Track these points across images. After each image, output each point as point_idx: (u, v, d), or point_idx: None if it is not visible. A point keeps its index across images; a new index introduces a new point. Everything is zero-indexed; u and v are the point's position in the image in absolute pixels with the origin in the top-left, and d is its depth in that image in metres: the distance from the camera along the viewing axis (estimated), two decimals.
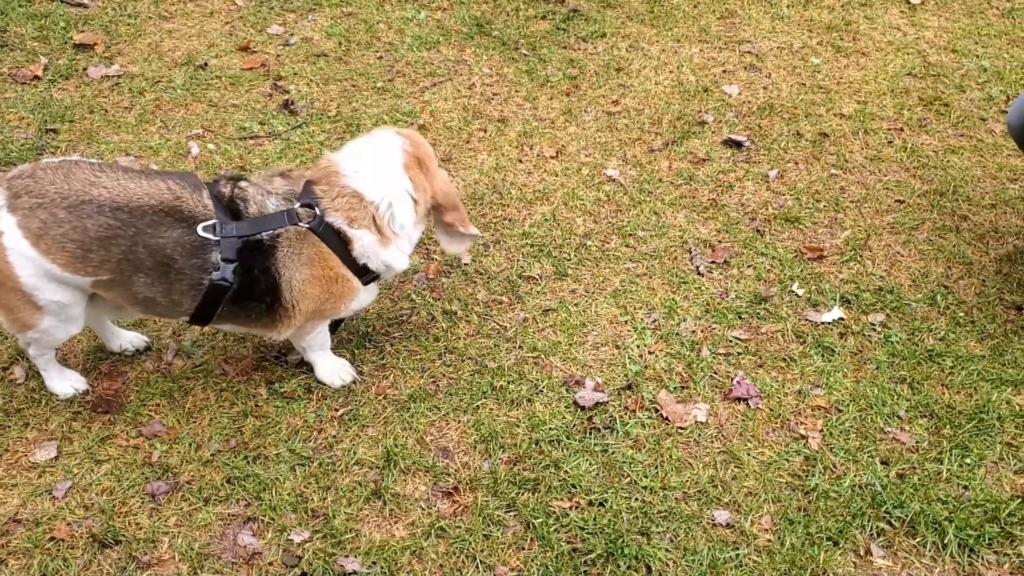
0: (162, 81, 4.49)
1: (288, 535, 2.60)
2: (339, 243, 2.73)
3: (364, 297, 2.92)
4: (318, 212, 2.67)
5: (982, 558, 2.58)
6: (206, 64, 4.61)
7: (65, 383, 2.98)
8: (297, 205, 2.67)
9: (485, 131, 4.25)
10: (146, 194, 2.57)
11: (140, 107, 4.32)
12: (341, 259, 2.75)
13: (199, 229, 2.58)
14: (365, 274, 2.82)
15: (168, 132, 4.17)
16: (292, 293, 2.73)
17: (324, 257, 2.73)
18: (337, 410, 2.95)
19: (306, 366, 3.08)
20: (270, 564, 2.54)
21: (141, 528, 2.61)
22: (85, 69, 4.54)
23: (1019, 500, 2.69)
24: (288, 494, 2.70)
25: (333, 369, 3.04)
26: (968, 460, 2.82)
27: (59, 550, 2.55)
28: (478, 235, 3.02)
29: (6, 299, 2.63)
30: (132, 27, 4.87)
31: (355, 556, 2.55)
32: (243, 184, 2.72)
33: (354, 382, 3.04)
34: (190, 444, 2.84)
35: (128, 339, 3.12)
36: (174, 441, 2.85)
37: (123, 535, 2.59)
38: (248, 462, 2.79)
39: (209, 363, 3.09)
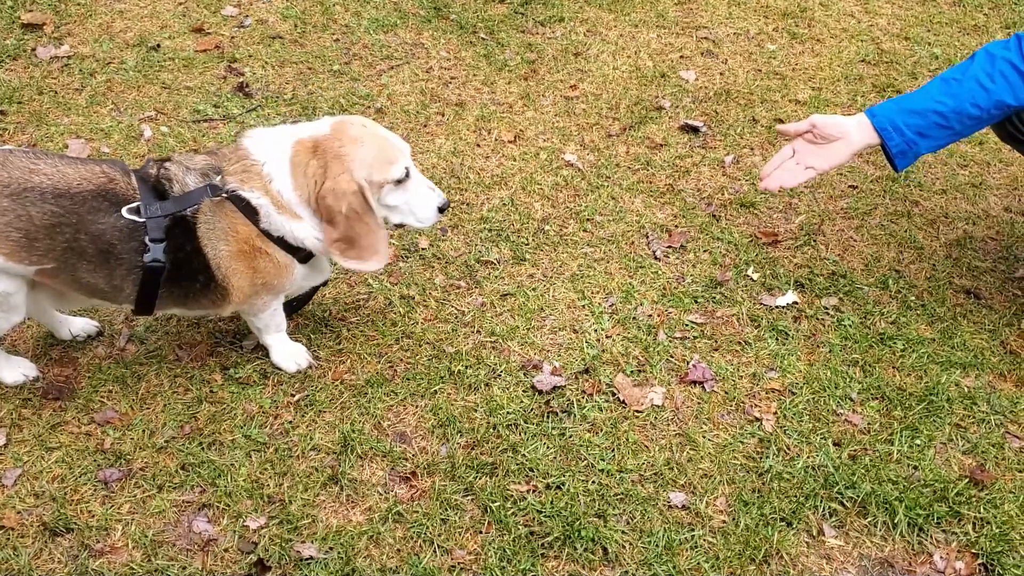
0: (113, 62, 4.41)
1: (244, 521, 2.58)
2: (249, 211, 2.62)
3: (308, 274, 2.83)
4: (219, 181, 2.60)
5: (931, 537, 2.64)
6: (159, 45, 4.53)
7: (15, 371, 2.92)
8: (216, 180, 2.60)
9: (443, 115, 4.23)
10: (84, 179, 2.52)
11: (91, 89, 4.24)
12: (258, 230, 2.65)
13: (124, 211, 2.52)
14: (290, 250, 2.71)
15: (120, 115, 4.10)
16: (221, 270, 2.66)
17: (236, 229, 2.63)
18: (293, 396, 2.93)
19: (262, 351, 3.05)
20: (225, 551, 2.52)
21: (93, 516, 2.58)
22: (34, 49, 4.44)
23: (967, 480, 2.75)
24: (244, 480, 2.68)
25: (288, 353, 3.02)
26: (918, 441, 2.87)
27: (8, 539, 2.51)
28: (364, 271, 2.87)
29: None
30: (82, 7, 4.78)
31: (312, 542, 2.54)
32: (167, 164, 2.65)
33: (310, 367, 3.02)
34: (143, 430, 2.80)
35: (79, 326, 3.07)
36: (127, 427, 2.81)
37: (75, 523, 2.55)
38: (203, 448, 2.76)
39: (163, 349, 3.06)
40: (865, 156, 4.10)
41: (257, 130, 2.74)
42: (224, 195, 2.60)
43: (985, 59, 2.82)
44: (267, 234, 2.66)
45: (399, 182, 2.69)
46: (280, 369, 3.01)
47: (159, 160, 2.68)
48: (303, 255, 2.75)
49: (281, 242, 2.69)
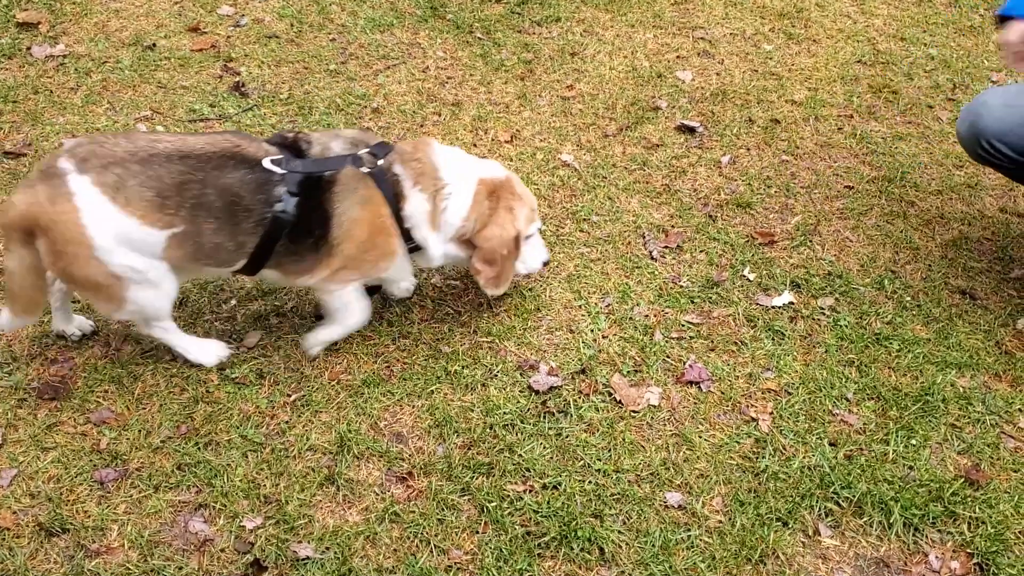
0: (109, 62, 4.40)
1: (240, 521, 2.58)
2: (392, 195, 2.83)
3: (400, 268, 3.01)
4: (383, 162, 2.81)
5: (926, 536, 2.64)
6: (154, 45, 4.53)
7: (209, 353, 2.98)
8: (364, 151, 2.81)
9: (439, 115, 4.23)
10: (207, 143, 2.67)
11: (87, 88, 4.23)
12: (392, 212, 2.84)
13: (266, 162, 2.68)
14: (407, 240, 2.91)
15: (116, 114, 4.09)
16: (340, 230, 2.79)
17: (376, 202, 2.81)
18: (290, 396, 2.93)
19: (259, 350, 3.05)
20: (222, 551, 2.52)
21: (89, 516, 2.57)
22: (29, 48, 4.43)
23: (962, 480, 2.76)
24: (240, 480, 2.68)
25: (329, 339, 3.08)
26: (913, 441, 2.88)
27: (4, 539, 2.50)
28: (492, 294, 3.10)
29: (87, 276, 2.64)
30: (78, 6, 4.77)
31: (308, 542, 2.54)
32: (303, 133, 2.86)
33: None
34: (140, 430, 2.80)
35: (77, 323, 3.06)
36: (123, 428, 2.80)
37: (71, 523, 2.54)
38: (199, 448, 2.76)
39: (159, 349, 3.05)
40: (860, 156, 4.11)
41: (441, 147, 2.97)
42: (370, 170, 2.79)
43: None
44: (398, 219, 2.86)
45: (529, 236, 3.10)
46: (313, 356, 3.07)
47: (291, 132, 2.88)
48: (410, 247, 2.95)
49: (404, 233, 2.88)
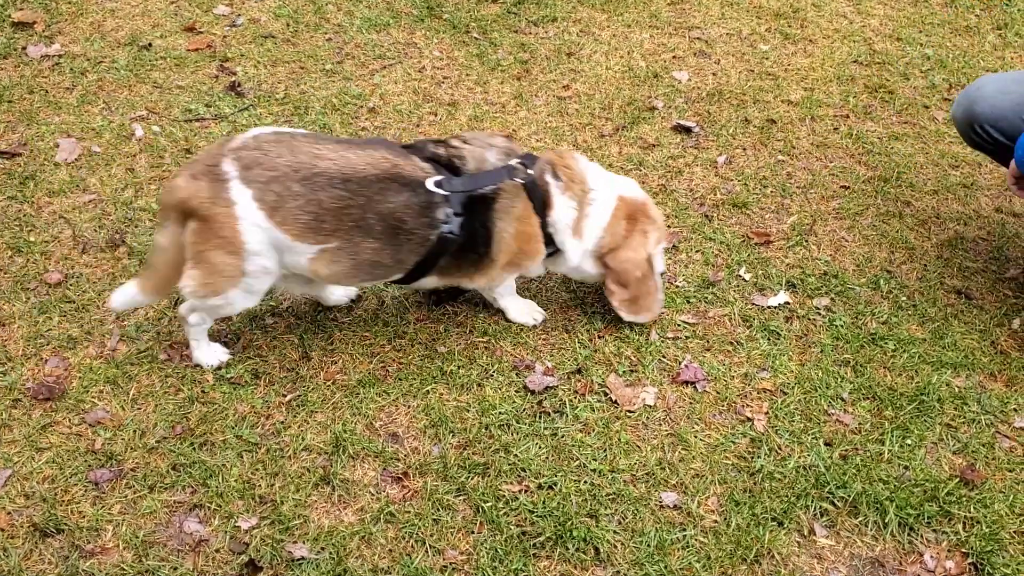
0: (105, 61, 4.40)
1: (235, 522, 2.57)
2: (541, 204, 2.89)
3: (536, 269, 3.10)
4: (534, 171, 2.86)
5: (921, 536, 2.65)
6: (150, 44, 4.52)
7: (212, 355, 3.00)
8: (516, 161, 2.86)
9: (435, 115, 4.23)
10: (367, 164, 2.69)
11: (82, 88, 4.22)
12: (539, 219, 2.91)
13: (429, 184, 2.71)
14: (549, 243, 2.98)
15: (111, 114, 4.09)
16: (499, 245, 2.88)
17: (528, 213, 2.89)
18: (285, 396, 2.93)
19: (254, 350, 3.05)
20: (217, 551, 2.52)
21: (84, 516, 2.57)
22: (24, 48, 4.42)
23: (957, 480, 2.76)
24: (235, 481, 2.67)
25: (523, 309, 3.21)
26: (909, 441, 2.88)
27: None
28: (633, 319, 3.15)
29: (218, 262, 2.69)
30: (73, 5, 4.76)
31: (303, 542, 2.53)
32: (455, 143, 2.87)
33: (544, 321, 3.21)
34: (135, 431, 2.79)
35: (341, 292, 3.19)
36: (118, 428, 2.80)
37: (65, 524, 2.54)
38: (194, 449, 2.75)
39: (154, 349, 3.05)
40: (856, 156, 4.11)
41: (586, 160, 3.06)
42: (523, 181, 2.84)
43: None
44: (545, 225, 2.94)
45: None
46: (517, 323, 3.20)
47: (436, 141, 2.89)
48: (549, 253, 3.03)
49: (547, 237, 2.96)
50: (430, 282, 2.98)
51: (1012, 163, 3.07)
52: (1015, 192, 3.14)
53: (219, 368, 2.99)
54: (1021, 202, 3.89)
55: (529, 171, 2.86)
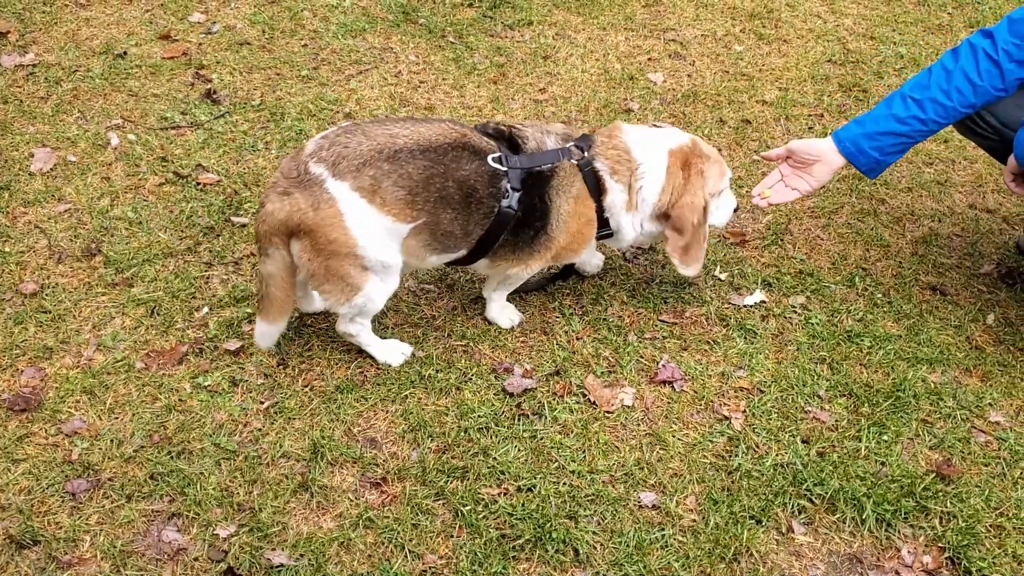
0: (80, 70, 4.38)
1: (214, 530, 2.57)
2: (595, 189, 2.97)
3: (590, 252, 3.17)
4: (587, 155, 2.94)
5: (899, 532, 2.66)
6: (125, 53, 4.51)
7: (396, 352, 3.07)
8: (571, 144, 2.94)
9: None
10: (439, 134, 2.78)
11: (57, 97, 4.21)
12: (595, 204, 2.98)
13: (489, 159, 2.80)
14: (602, 227, 3.05)
15: (87, 123, 4.07)
16: (558, 222, 2.94)
17: (586, 197, 2.96)
18: (263, 403, 2.92)
19: (229, 356, 3.04)
20: (195, 560, 2.51)
21: (61, 527, 2.56)
22: None
23: (934, 475, 2.78)
24: (213, 489, 2.66)
25: (504, 310, 3.24)
26: (885, 437, 2.90)
27: None
28: (687, 275, 3.16)
29: (340, 269, 2.75)
30: (47, 14, 4.74)
31: (282, 549, 2.53)
32: (517, 125, 2.97)
33: (520, 324, 3.24)
34: (112, 441, 2.78)
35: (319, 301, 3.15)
36: (95, 438, 2.79)
37: (42, 535, 2.53)
38: (172, 457, 2.74)
39: (130, 358, 3.04)
40: None
41: (630, 128, 3.09)
42: (577, 164, 2.92)
43: (941, 74, 2.94)
44: (599, 211, 3.00)
45: (721, 191, 3.16)
46: (494, 323, 3.24)
47: (497, 123, 2.99)
48: (600, 236, 3.10)
49: (602, 221, 3.03)
50: (483, 266, 3.04)
51: (1011, 159, 3.06)
52: (1012, 189, 3.12)
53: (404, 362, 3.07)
54: (995, 198, 3.92)
55: (584, 154, 2.94)
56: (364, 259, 2.75)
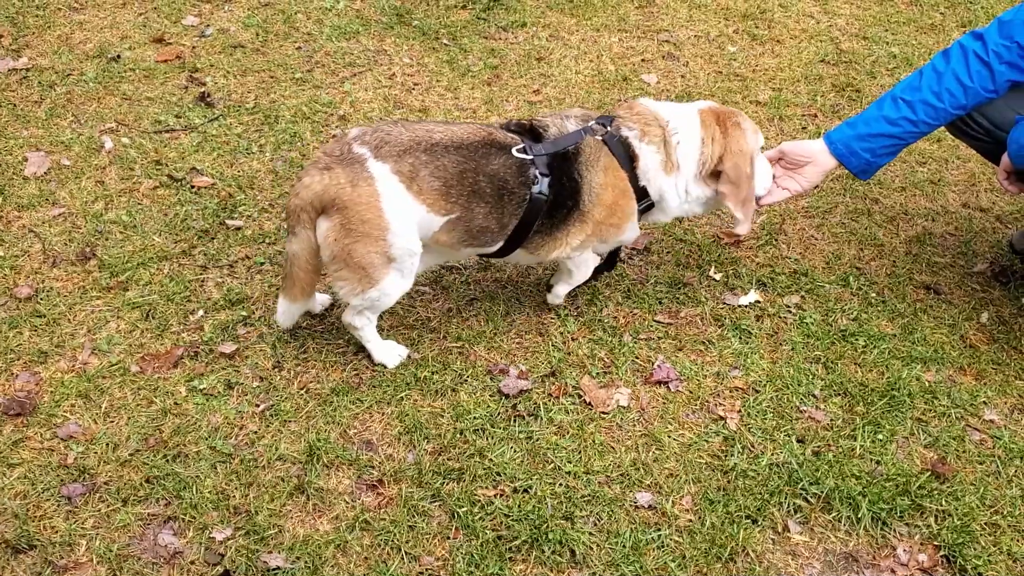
0: (73, 74, 4.38)
1: (210, 533, 2.56)
2: (626, 158, 2.95)
3: (633, 229, 3.09)
4: (610, 128, 2.94)
5: (894, 530, 2.67)
6: (119, 56, 4.50)
7: (392, 353, 3.08)
8: (592, 123, 2.95)
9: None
10: (469, 133, 2.84)
11: (50, 101, 4.20)
12: (628, 174, 2.95)
13: (513, 151, 2.83)
14: (642, 198, 3.01)
15: (80, 126, 4.07)
16: (591, 196, 2.93)
17: (616, 167, 2.94)
18: (258, 406, 2.92)
19: (225, 359, 3.04)
20: (192, 563, 2.51)
21: (57, 532, 2.55)
22: None
23: (928, 473, 2.79)
24: (209, 492, 2.66)
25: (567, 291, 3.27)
26: (880, 436, 2.91)
27: None
28: (742, 231, 3.08)
29: (364, 256, 2.75)
30: (40, 18, 4.74)
31: (279, 552, 2.53)
32: (538, 118, 3.01)
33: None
34: (107, 444, 2.78)
35: (320, 300, 3.23)
36: (90, 442, 2.79)
37: (38, 539, 2.52)
38: (168, 461, 2.74)
39: (125, 361, 3.03)
40: None
41: (653, 101, 3.07)
42: (602, 138, 2.92)
43: (932, 76, 2.97)
44: (636, 179, 2.97)
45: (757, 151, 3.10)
46: (555, 305, 3.29)
47: (518, 121, 3.03)
48: (643, 206, 3.05)
49: (640, 191, 2.99)
50: (520, 256, 3.04)
51: (1004, 158, 3.07)
52: (1006, 187, 3.13)
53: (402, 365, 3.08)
54: (988, 197, 3.94)
55: (607, 128, 2.94)
56: (392, 246, 2.75)
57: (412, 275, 2.89)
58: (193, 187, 3.75)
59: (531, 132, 2.95)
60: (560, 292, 3.25)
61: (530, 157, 2.84)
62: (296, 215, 2.75)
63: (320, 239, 2.75)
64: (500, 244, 2.95)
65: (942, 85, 2.94)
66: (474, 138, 2.83)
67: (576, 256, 3.09)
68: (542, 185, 2.85)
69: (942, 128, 3.21)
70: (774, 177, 3.17)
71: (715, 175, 3.00)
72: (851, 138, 3.03)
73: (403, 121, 2.85)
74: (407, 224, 2.75)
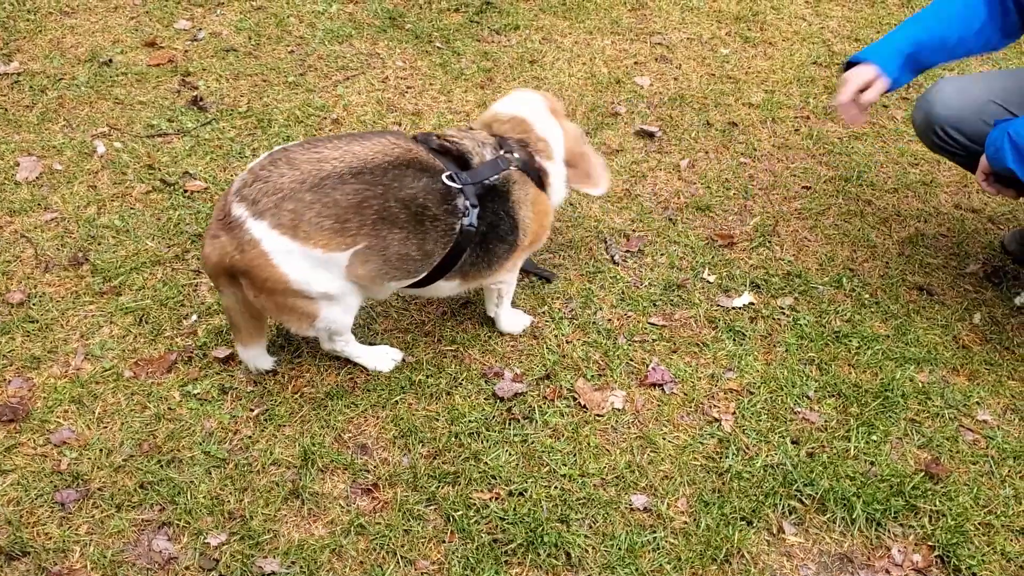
0: (65, 78, 4.37)
1: (204, 538, 2.56)
2: (538, 179, 2.98)
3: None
4: (520, 156, 2.90)
5: (888, 531, 2.67)
6: (111, 60, 4.50)
7: (384, 358, 3.08)
8: (502, 152, 2.88)
9: (400, 125, 4.23)
10: (377, 153, 2.66)
11: (42, 105, 4.19)
12: (543, 192, 3.01)
13: (443, 178, 2.72)
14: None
15: (72, 131, 4.06)
16: (524, 230, 2.95)
17: (539, 194, 2.98)
18: (253, 410, 2.92)
19: (219, 364, 3.03)
20: (186, 569, 2.50)
21: (51, 538, 2.54)
22: None
23: (923, 474, 2.79)
24: (204, 497, 2.66)
25: (512, 317, 3.23)
26: (874, 437, 2.92)
27: None
28: (597, 192, 3.20)
29: (286, 303, 2.70)
30: (32, 22, 4.72)
31: (274, 557, 2.52)
32: (452, 138, 2.87)
33: (533, 322, 3.26)
34: (101, 450, 2.77)
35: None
36: (84, 447, 2.78)
37: (31, 546, 2.51)
38: (162, 466, 2.74)
39: (119, 367, 3.02)
40: (817, 157, 4.16)
41: (513, 107, 3.05)
42: (516, 167, 2.88)
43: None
44: (548, 195, 3.05)
45: None
46: (507, 333, 3.23)
47: (432, 135, 2.89)
48: None
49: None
50: (455, 285, 2.97)
51: (983, 159, 3.09)
52: (985, 188, 3.15)
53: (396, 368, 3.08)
54: (980, 198, 3.95)
55: (516, 155, 2.90)
56: (305, 291, 2.67)
57: (354, 297, 2.82)
58: (186, 191, 3.75)
59: (456, 157, 2.82)
60: (508, 315, 3.21)
61: (459, 186, 2.74)
62: (215, 279, 2.74)
63: (246, 294, 2.71)
64: (425, 273, 2.83)
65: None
66: (385, 159, 2.65)
67: (511, 276, 3.12)
68: (471, 217, 2.76)
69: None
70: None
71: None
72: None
73: (293, 149, 2.65)
74: (307, 271, 2.63)
